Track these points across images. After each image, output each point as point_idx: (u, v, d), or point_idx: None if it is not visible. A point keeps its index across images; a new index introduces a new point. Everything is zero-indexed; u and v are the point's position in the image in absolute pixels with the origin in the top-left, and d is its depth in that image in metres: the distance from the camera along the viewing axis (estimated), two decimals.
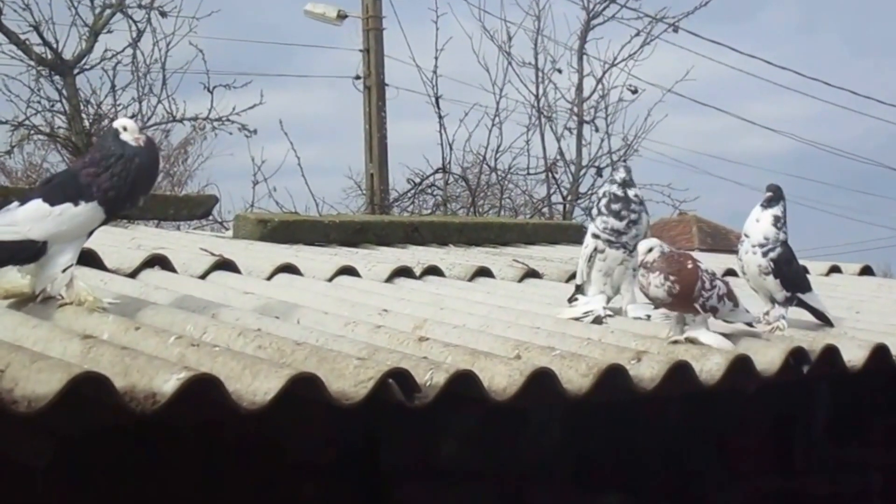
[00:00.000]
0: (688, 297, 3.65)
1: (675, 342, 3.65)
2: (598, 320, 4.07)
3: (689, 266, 3.69)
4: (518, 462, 4.44)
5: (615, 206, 4.25)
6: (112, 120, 10.89)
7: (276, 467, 3.84)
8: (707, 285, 3.71)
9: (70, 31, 13.20)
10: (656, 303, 3.80)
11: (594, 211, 4.33)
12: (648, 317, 4.18)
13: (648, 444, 4.81)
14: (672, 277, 3.64)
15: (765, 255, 4.19)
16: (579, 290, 4.37)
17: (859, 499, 5.44)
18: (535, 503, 4.54)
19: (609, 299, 4.27)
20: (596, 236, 4.28)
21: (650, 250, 3.70)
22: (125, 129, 3.32)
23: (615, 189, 4.30)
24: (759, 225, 4.25)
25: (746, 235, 4.27)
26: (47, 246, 3.23)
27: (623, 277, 4.26)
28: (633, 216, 4.26)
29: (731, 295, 3.79)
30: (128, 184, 3.27)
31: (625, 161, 4.51)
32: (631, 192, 4.29)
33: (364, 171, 14.69)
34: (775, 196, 4.27)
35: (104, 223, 3.35)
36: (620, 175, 4.36)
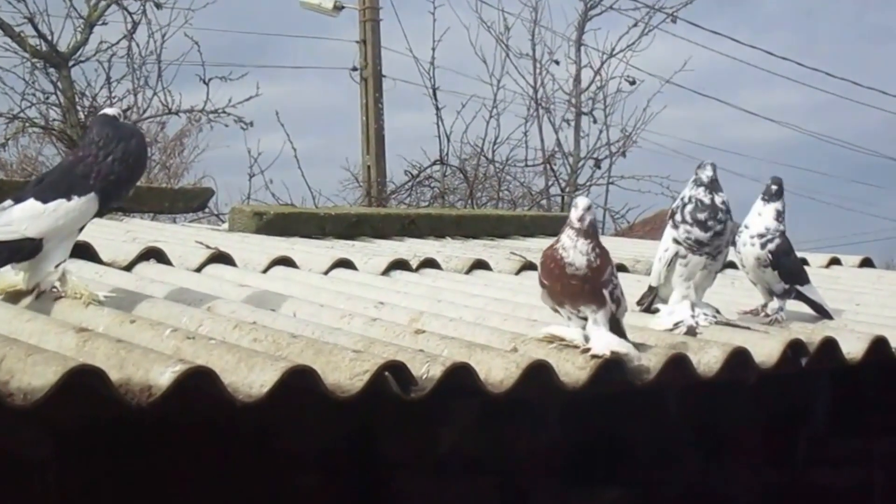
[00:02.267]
0: (599, 278, 3.32)
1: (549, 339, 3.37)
2: (691, 331, 3.81)
3: (605, 249, 3.43)
4: (517, 454, 4.44)
5: (701, 216, 3.96)
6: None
7: (273, 459, 3.84)
8: (615, 274, 3.45)
9: (65, 23, 13.21)
10: (570, 269, 3.32)
11: (677, 217, 4.00)
12: (716, 316, 4.00)
13: (649, 437, 4.81)
14: (598, 251, 3.35)
15: (763, 246, 4.17)
16: (652, 290, 4.17)
17: (860, 491, 5.45)
18: (534, 496, 4.54)
19: (694, 305, 4.00)
20: (677, 242, 4.01)
21: (588, 209, 3.37)
22: (115, 115, 3.40)
23: (701, 194, 3.98)
24: (760, 218, 4.21)
25: (746, 227, 4.24)
26: (43, 243, 3.28)
27: (706, 280, 4.05)
28: (718, 227, 3.98)
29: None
30: (129, 167, 3.32)
31: (710, 162, 4.01)
32: (718, 199, 3.98)
33: (361, 162, 14.67)
34: (779, 189, 4.23)
35: (98, 215, 3.38)
36: (707, 174, 4.02)
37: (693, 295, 3.99)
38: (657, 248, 4.20)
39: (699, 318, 3.90)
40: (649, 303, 4.20)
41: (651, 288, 4.16)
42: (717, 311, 4.06)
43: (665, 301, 4.10)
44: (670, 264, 4.00)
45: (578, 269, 3.30)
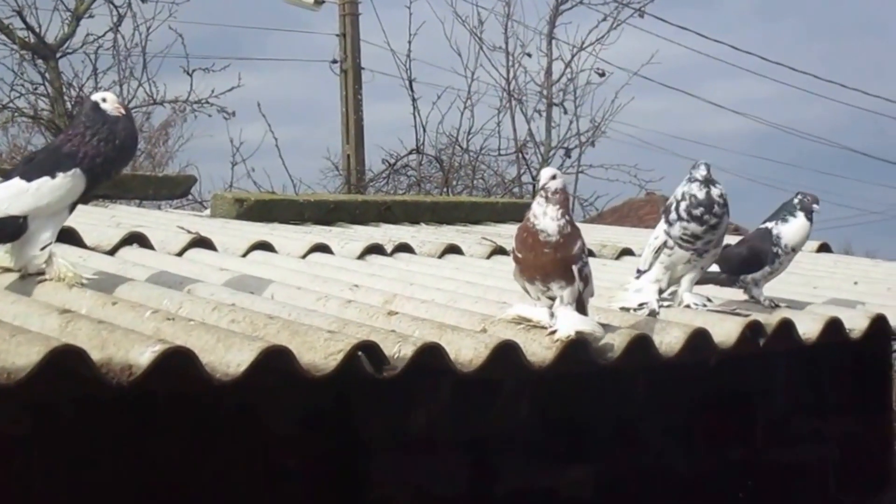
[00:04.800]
0: (570, 249, 3.37)
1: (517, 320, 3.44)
2: (652, 314, 3.87)
3: (574, 221, 3.49)
4: (487, 433, 4.55)
5: (696, 211, 3.94)
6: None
7: (252, 439, 3.93)
8: (585, 253, 3.51)
9: (52, 15, 13.36)
10: (542, 236, 3.36)
11: (671, 215, 3.99)
12: (706, 305, 4.06)
13: (613, 417, 4.92)
14: (568, 217, 3.40)
15: None
16: (640, 273, 4.16)
17: (817, 468, 5.60)
18: (502, 474, 4.66)
19: (661, 291, 4.05)
20: (668, 235, 4.02)
21: (554, 177, 3.42)
22: (104, 100, 3.39)
23: (696, 190, 3.95)
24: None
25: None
26: (28, 222, 3.29)
27: (685, 272, 4.06)
28: (713, 220, 3.96)
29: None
30: (115, 149, 3.35)
31: (704, 161, 3.96)
32: (715, 192, 3.95)
33: (341, 152, 14.81)
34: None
35: (86, 193, 3.39)
36: (701, 172, 3.97)
37: (665, 282, 4.05)
38: (625, 235, 4.31)
39: (661, 304, 3.97)
40: None
41: (640, 272, 4.20)
42: (709, 299, 4.13)
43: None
44: (657, 252, 4.06)
45: (550, 236, 3.35)
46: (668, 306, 4.04)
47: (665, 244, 4.02)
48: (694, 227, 3.95)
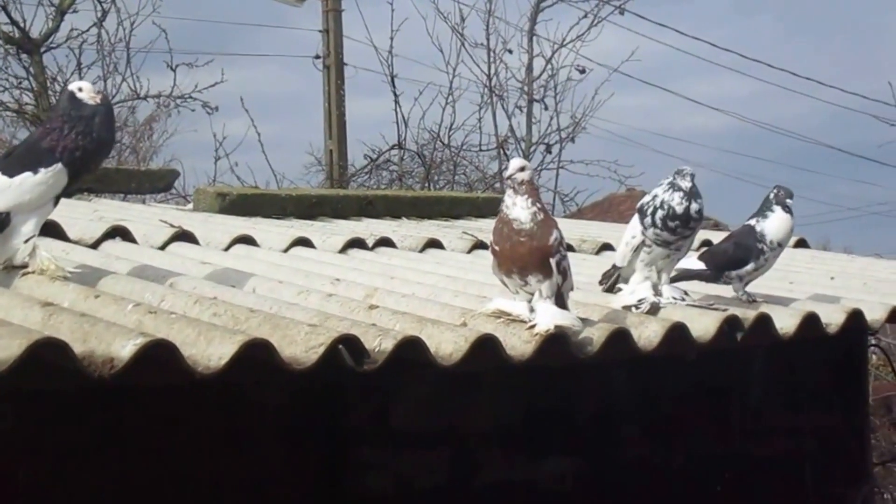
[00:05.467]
0: (546, 238, 3.39)
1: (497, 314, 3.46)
2: (654, 308, 3.89)
3: (547, 210, 3.52)
4: (468, 426, 4.58)
5: (672, 224, 3.95)
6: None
7: (233, 431, 3.95)
8: (563, 245, 3.51)
9: (37, 10, 13.32)
10: (516, 224, 3.39)
11: (647, 219, 3.98)
12: (683, 299, 4.06)
13: (592, 410, 4.96)
14: (539, 205, 3.43)
15: None
16: (616, 270, 4.20)
17: (792, 461, 5.65)
18: (483, 466, 4.69)
19: (656, 285, 4.05)
20: (644, 234, 4.01)
21: (522, 169, 3.46)
22: (80, 90, 3.39)
23: (675, 203, 3.94)
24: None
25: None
26: (10, 217, 3.29)
27: (662, 266, 4.06)
28: (687, 232, 3.99)
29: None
30: (94, 141, 3.34)
31: (690, 171, 3.95)
32: (693, 208, 3.94)
33: (324, 147, 14.85)
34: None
35: (69, 186, 3.39)
36: (685, 184, 3.96)
37: (655, 277, 4.06)
38: (606, 230, 4.33)
39: (660, 297, 3.98)
40: (612, 283, 4.25)
41: (615, 267, 4.23)
42: (686, 293, 4.14)
43: (626, 281, 4.16)
44: (636, 250, 4.06)
45: (524, 224, 3.38)
46: (675, 299, 4.02)
47: (643, 243, 4.03)
48: (667, 236, 3.97)
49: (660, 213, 3.95)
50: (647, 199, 4.05)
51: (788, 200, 4.40)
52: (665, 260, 4.05)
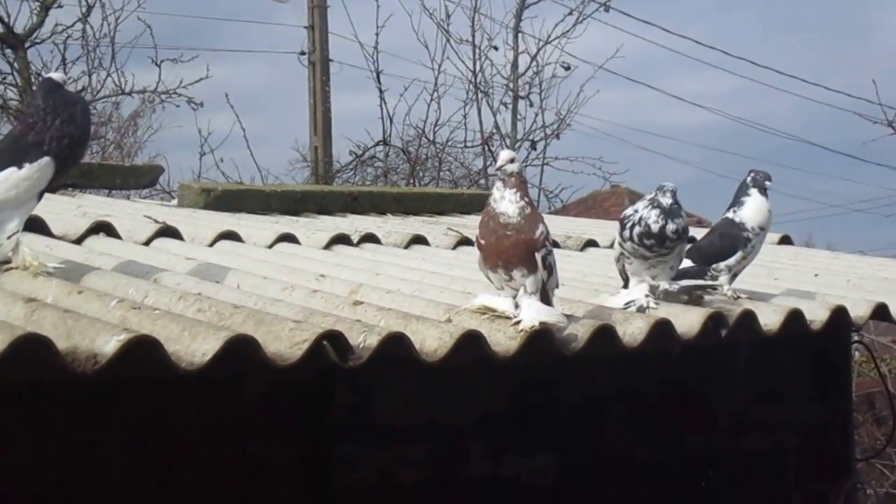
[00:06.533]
0: (532, 232, 3.39)
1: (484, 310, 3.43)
2: (641, 309, 3.84)
3: (534, 204, 3.52)
4: (453, 421, 4.59)
5: (647, 241, 3.91)
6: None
7: (218, 425, 3.95)
8: (549, 240, 3.49)
9: (21, 5, 13.33)
10: (503, 218, 3.38)
11: (625, 233, 3.94)
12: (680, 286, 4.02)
13: (577, 405, 4.98)
14: (527, 199, 3.43)
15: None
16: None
17: (777, 455, 5.67)
18: (468, 461, 4.70)
19: (652, 287, 3.99)
20: (623, 246, 4.00)
21: (512, 161, 3.47)
22: (64, 81, 3.41)
23: (652, 221, 3.90)
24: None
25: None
26: None
27: (662, 272, 4.01)
28: (664, 251, 3.95)
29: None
30: (78, 128, 3.33)
31: (671, 188, 3.91)
32: (670, 228, 3.90)
33: (309, 143, 14.87)
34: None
35: (54, 180, 3.37)
36: (666, 201, 3.93)
37: (650, 279, 4.01)
38: (591, 226, 4.32)
39: (650, 300, 3.94)
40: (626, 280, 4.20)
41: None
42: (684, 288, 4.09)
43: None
44: (619, 260, 4.07)
45: (511, 217, 3.38)
46: (656, 308, 3.94)
47: (623, 254, 4.02)
48: (643, 251, 3.95)
49: (637, 230, 3.93)
50: (629, 210, 4.03)
51: (767, 182, 4.39)
52: (654, 269, 4.02)
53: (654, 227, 3.90)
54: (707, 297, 4.18)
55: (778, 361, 5.50)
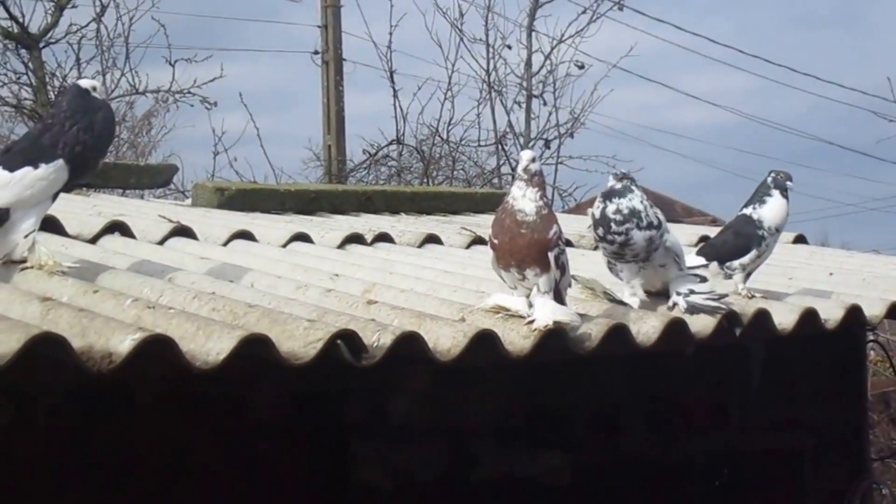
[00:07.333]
0: (546, 232, 3.38)
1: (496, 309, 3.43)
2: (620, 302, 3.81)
3: (550, 205, 3.50)
4: (466, 420, 4.58)
5: (598, 231, 3.79)
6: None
7: (234, 425, 3.96)
8: (562, 240, 3.48)
9: (36, 5, 13.36)
10: (520, 216, 3.37)
11: (594, 235, 3.88)
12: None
13: (591, 404, 4.97)
14: (545, 200, 3.44)
15: None
16: None
17: (793, 455, 5.65)
18: (481, 460, 4.70)
19: (651, 293, 3.95)
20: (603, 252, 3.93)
21: (534, 160, 3.48)
22: (94, 88, 3.42)
23: (595, 209, 3.78)
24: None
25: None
26: (10, 212, 3.29)
27: (650, 275, 3.91)
28: (620, 237, 3.75)
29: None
30: (93, 138, 3.35)
31: (615, 171, 3.83)
32: (611, 208, 3.73)
33: (322, 142, 14.89)
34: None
35: (69, 183, 3.40)
36: (609, 184, 3.81)
37: (639, 287, 3.92)
38: None
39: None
40: None
41: None
42: (692, 291, 3.95)
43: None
44: (609, 267, 4.00)
45: (528, 216, 3.38)
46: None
47: (608, 261, 3.97)
48: (606, 246, 3.83)
49: (591, 227, 3.84)
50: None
51: (789, 183, 4.37)
52: (644, 272, 3.91)
53: (597, 213, 3.79)
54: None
55: (793, 361, 5.49)
